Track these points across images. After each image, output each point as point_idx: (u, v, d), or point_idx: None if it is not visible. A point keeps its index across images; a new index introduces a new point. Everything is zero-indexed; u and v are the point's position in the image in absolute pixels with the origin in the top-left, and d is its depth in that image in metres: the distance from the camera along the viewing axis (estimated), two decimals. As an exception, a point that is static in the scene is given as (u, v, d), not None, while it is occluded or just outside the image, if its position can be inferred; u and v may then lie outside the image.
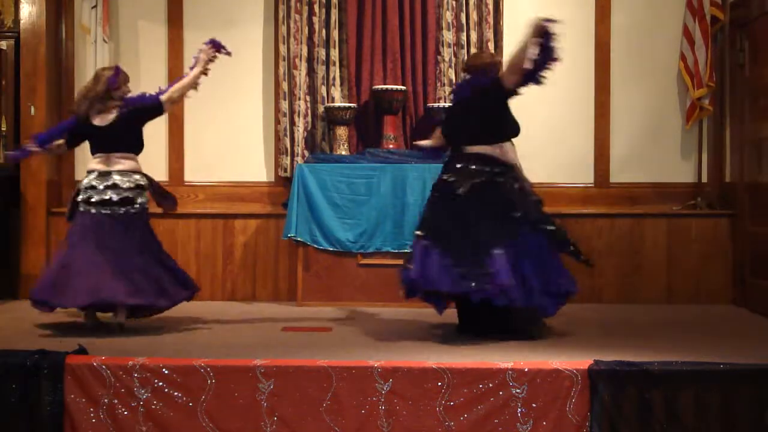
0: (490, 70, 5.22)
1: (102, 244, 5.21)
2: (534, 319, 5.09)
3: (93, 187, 5.32)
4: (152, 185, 5.55)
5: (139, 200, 5.37)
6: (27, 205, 6.84)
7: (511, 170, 5.09)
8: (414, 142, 6.23)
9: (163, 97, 5.44)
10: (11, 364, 4.18)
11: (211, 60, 5.55)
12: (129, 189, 5.33)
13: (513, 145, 5.22)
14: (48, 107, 6.86)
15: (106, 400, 4.17)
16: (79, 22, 7.01)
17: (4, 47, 6.94)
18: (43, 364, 4.17)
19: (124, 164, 5.37)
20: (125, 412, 4.17)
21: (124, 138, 5.40)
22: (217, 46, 5.56)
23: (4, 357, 4.23)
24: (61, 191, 7.05)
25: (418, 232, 5.06)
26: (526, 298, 4.87)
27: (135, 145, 5.46)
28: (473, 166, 5.04)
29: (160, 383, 4.17)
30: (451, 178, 5.09)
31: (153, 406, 4.16)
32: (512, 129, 5.21)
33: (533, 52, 4.89)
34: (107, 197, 5.29)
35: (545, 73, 4.95)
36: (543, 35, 4.87)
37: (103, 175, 5.33)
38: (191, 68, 5.56)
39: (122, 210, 5.30)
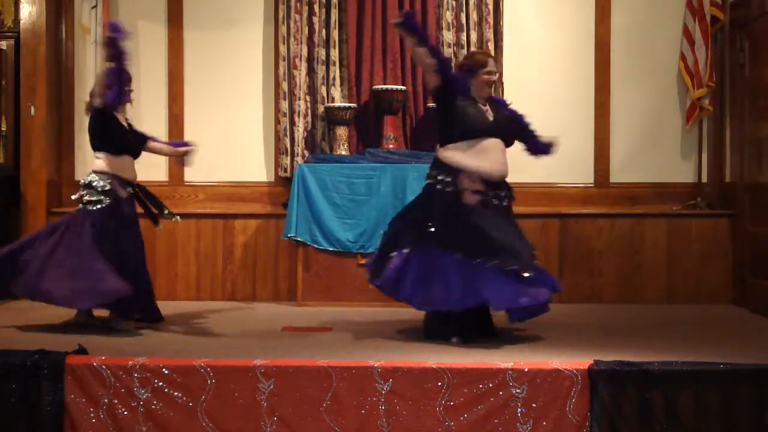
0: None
1: (55, 241, 5.31)
2: (439, 323, 5.01)
3: None
4: (114, 188, 5.42)
5: (85, 199, 5.36)
6: (27, 205, 6.84)
7: (450, 175, 4.95)
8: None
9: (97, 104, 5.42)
10: (11, 364, 4.18)
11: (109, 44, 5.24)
12: (82, 188, 5.40)
13: (467, 147, 4.96)
14: (48, 107, 6.86)
15: (106, 400, 4.17)
16: (79, 22, 7.01)
17: (4, 47, 6.94)
18: (43, 364, 4.17)
19: (93, 163, 5.46)
20: (125, 412, 4.17)
21: (91, 137, 5.47)
22: (112, 28, 5.21)
23: (4, 357, 4.23)
24: (61, 191, 7.05)
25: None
26: (424, 302, 4.94)
27: (101, 144, 5.43)
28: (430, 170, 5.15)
29: (160, 383, 4.17)
30: None
31: (153, 406, 4.16)
32: (455, 131, 4.99)
33: (414, 45, 4.95)
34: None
35: (437, 60, 4.95)
36: (406, 28, 4.91)
37: None
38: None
39: (78, 207, 5.41)
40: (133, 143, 5.51)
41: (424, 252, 4.90)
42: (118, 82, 5.24)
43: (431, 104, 6.78)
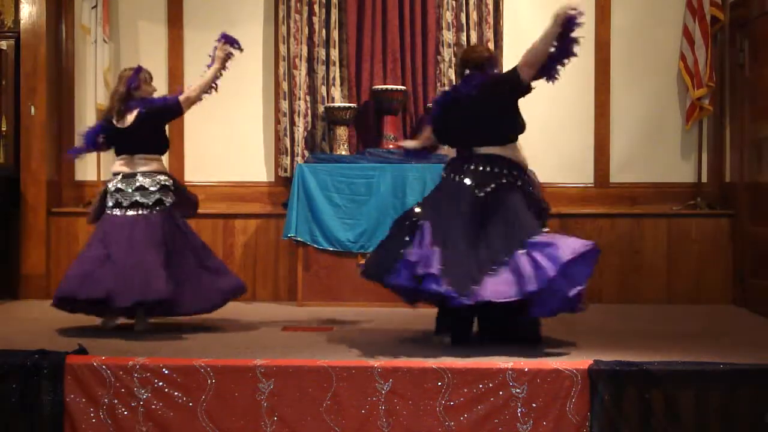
0: (489, 65, 4.97)
1: (138, 243, 5.18)
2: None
3: (120, 190, 5.30)
4: (176, 186, 5.51)
5: (167, 201, 5.36)
6: (27, 205, 6.84)
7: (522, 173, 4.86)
8: (399, 143, 5.90)
9: (181, 98, 5.43)
10: (11, 364, 4.17)
11: (227, 57, 5.46)
12: (156, 191, 5.32)
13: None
14: (48, 107, 6.86)
15: (106, 400, 4.17)
16: (79, 22, 7.01)
17: (4, 47, 6.94)
18: (43, 364, 4.17)
19: (149, 165, 5.37)
20: (125, 412, 4.17)
21: (146, 139, 5.39)
22: (229, 41, 5.46)
23: (4, 357, 4.23)
24: (61, 191, 7.06)
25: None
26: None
27: (158, 146, 5.46)
28: (487, 168, 4.77)
29: (160, 383, 4.17)
30: (465, 179, 4.77)
31: (153, 406, 4.16)
32: (521, 127, 4.92)
33: (554, 43, 4.58)
34: (135, 200, 5.28)
35: (560, 68, 4.68)
36: (568, 25, 4.53)
37: (128, 177, 5.32)
38: (209, 66, 5.46)
39: (152, 211, 5.30)
40: (116, 142, 5.42)
41: None
42: None
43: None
